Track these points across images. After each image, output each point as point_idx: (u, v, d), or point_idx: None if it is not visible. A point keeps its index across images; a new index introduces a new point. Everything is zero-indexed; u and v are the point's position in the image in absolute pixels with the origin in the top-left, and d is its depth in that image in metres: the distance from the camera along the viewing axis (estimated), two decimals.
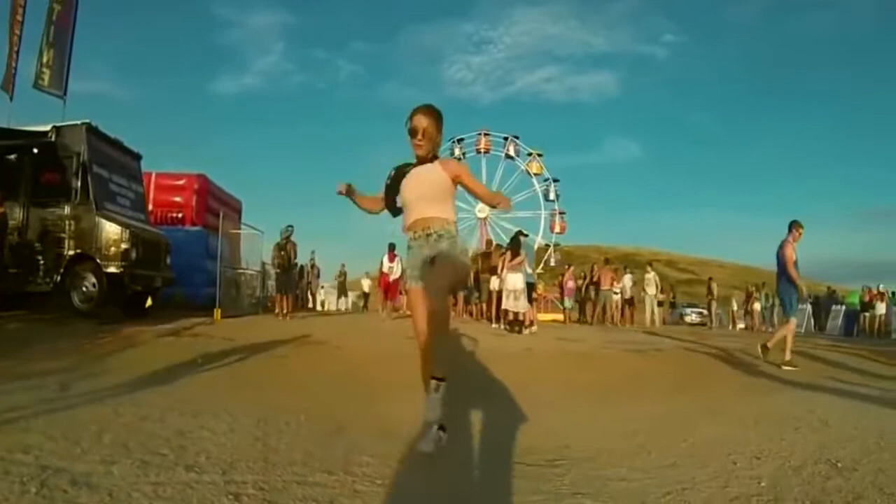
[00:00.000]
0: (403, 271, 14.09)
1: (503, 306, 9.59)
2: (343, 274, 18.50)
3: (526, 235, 10.39)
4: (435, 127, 2.65)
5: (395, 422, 3.16)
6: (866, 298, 15.00)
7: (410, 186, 2.67)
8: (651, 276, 15.15)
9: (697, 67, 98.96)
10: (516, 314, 9.30)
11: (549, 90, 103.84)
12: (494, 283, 10.82)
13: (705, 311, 23.21)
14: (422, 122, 2.62)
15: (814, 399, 4.45)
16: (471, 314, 13.90)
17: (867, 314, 14.72)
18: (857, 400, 4.41)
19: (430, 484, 2.25)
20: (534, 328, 9.50)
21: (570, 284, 15.26)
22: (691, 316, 23.70)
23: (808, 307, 20.18)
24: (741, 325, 18.33)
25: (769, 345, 6.58)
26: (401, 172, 2.74)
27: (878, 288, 15.17)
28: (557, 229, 24.70)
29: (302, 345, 6.35)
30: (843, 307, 17.76)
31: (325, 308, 18.96)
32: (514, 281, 9.30)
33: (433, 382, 2.33)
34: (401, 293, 16.90)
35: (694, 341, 8.94)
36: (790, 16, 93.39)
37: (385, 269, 12.32)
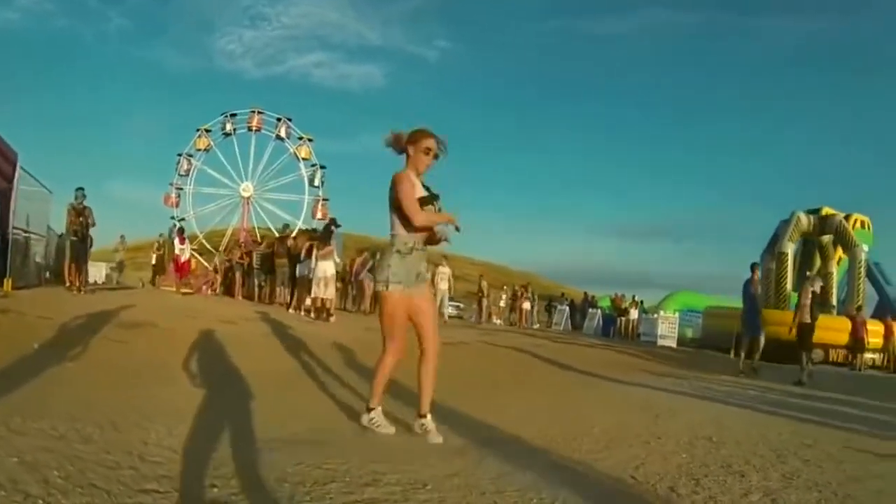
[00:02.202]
0: (192, 254, 15.87)
1: (315, 294, 10.19)
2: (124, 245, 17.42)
3: (339, 226, 10.92)
4: None
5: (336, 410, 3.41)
6: (622, 305, 19.52)
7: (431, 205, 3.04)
8: (445, 270, 15.86)
9: (466, 74, 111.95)
10: (324, 301, 10.08)
11: (318, 75, 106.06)
12: (299, 269, 11.42)
13: (461, 305, 27.01)
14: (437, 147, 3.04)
15: (643, 392, 6.03)
16: (249, 297, 14.32)
17: (623, 319, 19.19)
18: (669, 392, 6.14)
19: (474, 473, 2.52)
20: (333, 318, 10.14)
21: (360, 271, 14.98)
22: (449, 309, 27.10)
23: (567, 309, 24.91)
24: (498, 321, 21.41)
25: (755, 366, 9.10)
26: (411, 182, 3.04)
27: (633, 297, 19.91)
28: (319, 215, 26.09)
29: (132, 327, 6.01)
30: (599, 310, 22.54)
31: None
32: (325, 269, 10.07)
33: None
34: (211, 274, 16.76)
35: (485, 336, 10.59)
36: (562, 39, 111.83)
37: (177, 251, 14.09)
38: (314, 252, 10.34)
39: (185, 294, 12.94)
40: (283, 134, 26.61)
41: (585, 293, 27.32)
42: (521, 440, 3.37)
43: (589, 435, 3.67)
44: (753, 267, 9.40)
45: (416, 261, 3.03)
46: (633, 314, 18.90)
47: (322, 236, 10.44)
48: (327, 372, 5.08)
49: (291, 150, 26.64)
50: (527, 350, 9.09)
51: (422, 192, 3.02)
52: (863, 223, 19.38)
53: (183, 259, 13.99)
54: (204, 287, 16.70)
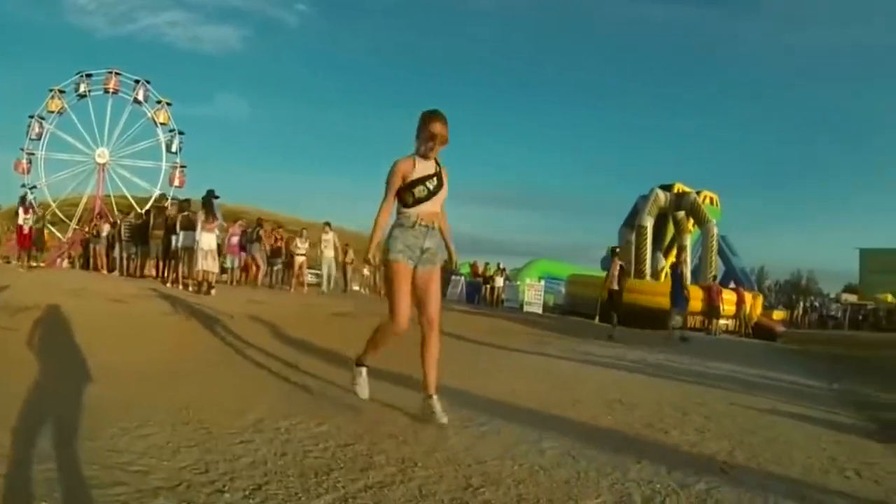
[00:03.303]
0: (39, 223, 15.01)
1: (199, 267, 10.54)
2: None
3: (217, 197, 11.12)
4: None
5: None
6: (486, 273, 20.83)
7: (429, 184, 3.21)
8: (330, 237, 15.47)
9: (325, 41, 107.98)
10: (206, 274, 10.55)
11: (172, 35, 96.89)
12: (181, 240, 11.48)
13: (319, 272, 27.01)
14: (445, 131, 3.19)
15: (539, 359, 6.72)
16: (111, 270, 13.89)
17: (488, 286, 20.47)
18: (562, 359, 6.92)
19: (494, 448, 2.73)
20: (213, 290, 10.48)
21: (235, 241, 14.47)
22: (309, 277, 26.94)
23: None
24: (360, 289, 21.55)
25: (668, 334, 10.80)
26: (408, 165, 3.22)
27: (498, 265, 21.28)
28: (177, 183, 25.96)
29: (18, 311, 5.45)
30: (462, 277, 23.72)
31: None
32: (210, 241, 10.61)
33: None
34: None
35: (364, 305, 10.96)
36: (422, 10, 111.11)
37: (21, 221, 13.97)
38: (199, 224, 10.47)
39: (41, 268, 12.84)
40: (140, 97, 25.86)
41: (446, 261, 28.38)
42: (464, 411, 3.56)
43: (518, 402, 4.06)
44: (680, 251, 11.32)
45: (419, 236, 3.21)
46: (499, 282, 20.29)
47: (206, 208, 10.55)
48: (249, 347, 4.94)
49: (149, 115, 25.93)
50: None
51: (422, 174, 3.20)
52: (711, 199, 22.76)
53: (26, 229, 13.88)
54: (58, 260, 15.76)
